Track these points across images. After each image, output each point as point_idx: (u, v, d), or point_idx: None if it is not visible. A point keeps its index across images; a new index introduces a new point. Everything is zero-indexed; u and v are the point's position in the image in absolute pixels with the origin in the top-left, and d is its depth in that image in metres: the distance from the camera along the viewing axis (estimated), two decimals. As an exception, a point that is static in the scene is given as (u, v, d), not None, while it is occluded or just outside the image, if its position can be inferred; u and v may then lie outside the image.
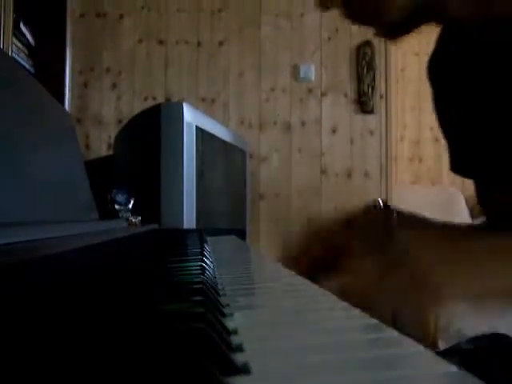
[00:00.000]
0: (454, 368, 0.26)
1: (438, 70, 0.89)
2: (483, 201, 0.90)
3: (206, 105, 3.53)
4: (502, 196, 0.82)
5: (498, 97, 0.78)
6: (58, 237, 0.80)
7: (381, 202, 0.87)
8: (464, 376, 0.25)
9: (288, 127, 3.59)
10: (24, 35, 2.73)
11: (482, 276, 0.58)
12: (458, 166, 0.91)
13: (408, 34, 0.75)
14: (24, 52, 2.74)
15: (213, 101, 3.57)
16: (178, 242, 1.14)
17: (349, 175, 3.56)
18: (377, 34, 0.76)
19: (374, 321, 0.36)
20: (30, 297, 0.41)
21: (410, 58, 4.44)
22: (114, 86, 3.54)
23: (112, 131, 3.37)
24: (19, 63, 2.49)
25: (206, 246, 0.92)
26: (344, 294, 0.52)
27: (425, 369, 0.26)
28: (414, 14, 0.71)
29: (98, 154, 3.36)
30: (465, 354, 0.99)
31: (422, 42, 4.11)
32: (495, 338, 1.02)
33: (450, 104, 0.89)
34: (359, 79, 3.52)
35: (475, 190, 0.91)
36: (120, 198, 1.99)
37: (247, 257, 1.11)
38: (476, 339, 1.05)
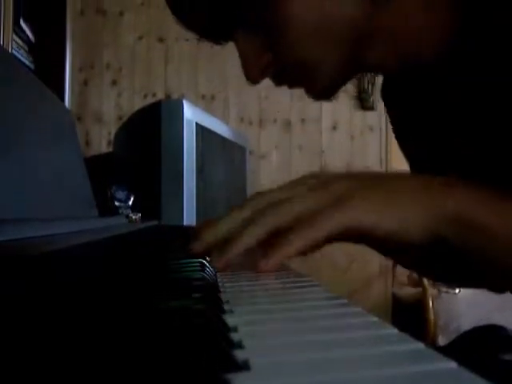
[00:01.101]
0: (453, 364, 0.26)
1: (390, 96, 0.90)
2: None
3: (206, 102, 3.53)
4: None
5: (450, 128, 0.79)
6: (58, 234, 0.80)
7: None
8: (463, 372, 0.25)
9: (288, 124, 3.59)
10: (24, 32, 2.73)
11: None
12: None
13: (340, 88, 0.76)
14: (24, 49, 2.74)
15: (213, 98, 3.57)
16: (178, 239, 1.14)
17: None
18: (309, 96, 0.77)
19: (374, 318, 0.36)
20: (30, 294, 0.41)
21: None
22: (114, 82, 3.54)
23: (112, 128, 3.37)
24: (19, 60, 2.49)
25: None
26: None
27: (424, 365, 0.26)
28: (342, 75, 0.73)
29: (98, 151, 3.36)
30: (464, 349, 0.99)
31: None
32: (492, 331, 1.02)
33: (407, 132, 0.90)
34: (359, 76, 3.52)
35: None
36: (120, 194, 1.99)
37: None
38: (474, 332, 1.06)
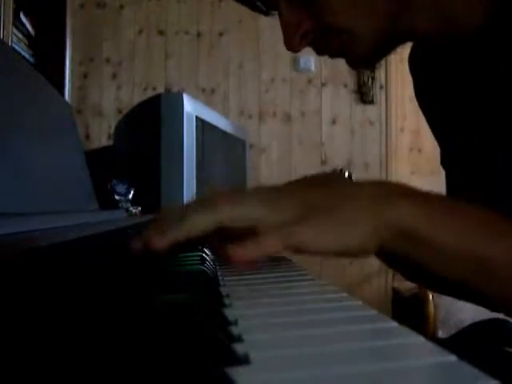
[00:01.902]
0: (453, 358, 0.26)
1: (418, 62, 0.90)
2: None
3: (205, 95, 3.53)
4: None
5: (478, 93, 0.80)
6: (58, 227, 0.80)
7: (340, 169, 0.88)
8: (463, 366, 0.25)
9: (288, 118, 3.59)
10: (24, 25, 2.73)
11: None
12: (446, 161, 0.92)
13: (381, 59, 0.77)
14: (24, 42, 2.73)
15: (213, 91, 3.57)
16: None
17: (349, 166, 3.56)
18: (349, 65, 0.78)
19: (374, 312, 0.36)
20: (31, 289, 0.41)
21: (409, 48, 4.43)
22: (114, 76, 3.53)
23: (112, 122, 3.37)
24: (19, 53, 2.48)
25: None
26: None
27: (424, 359, 0.26)
28: (382, 43, 0.73)
29: (98, 145, 3.36)
30: (465, 343, 0.99)
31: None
32: (495, 324, 1.02)
33: (430, 96, 0.90)
34: (358, 70, 3.52)
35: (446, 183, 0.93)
36: (120, 188, 1.99)
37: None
38: (475, 325, 1.05)
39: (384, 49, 0.75)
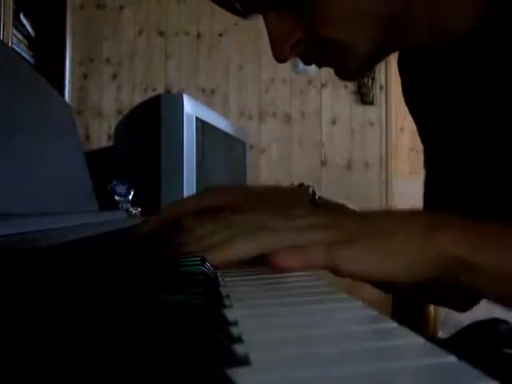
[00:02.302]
0: (453, 358, 0.26)
1: (407, 64, 0.90)
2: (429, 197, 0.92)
3: (205, 96, 3.53)
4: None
5: (466, 95, 0.80)
6: (59, 228, 0.80)
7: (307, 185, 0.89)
8: (463, 366, 0.25)
9: (288, 118, 3.59)
10: (24, 26, 2.73)
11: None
12: (430, 163, 0.93)
13: (370, 69, 0.76)
14: (24, 43, 2.73)
15: (213, 92, 3.57)
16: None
17: (349, 166, 3.57)
18: (337, 75, 0.77)
19: (375, 312, 0.36)
20: (31, 290, 0.41)
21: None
22: (114, 77, 3.54)
23: (112, 122, 3.37)
24: (19, 54, 2.48)
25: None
26: None
27: (424, 359, 0.26)
28: (376, 54, 0.72)
29: (98, 145, 3.36)
30: (465, 343, 0.99)
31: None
32: (493, 324, 1.02)
33: (419, 98, 0.90)
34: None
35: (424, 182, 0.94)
36: (120, 189, 1.99)
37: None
38: (474, 325, 1.05)
39: (376, 60, 0.75)
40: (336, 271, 0.54)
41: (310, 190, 0.90)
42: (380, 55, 0.74)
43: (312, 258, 0.53)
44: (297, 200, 0.90)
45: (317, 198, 0.89)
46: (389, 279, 0.57)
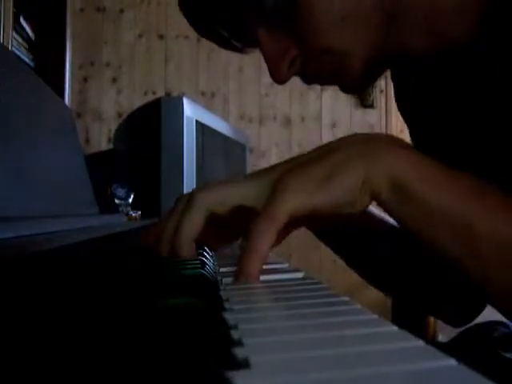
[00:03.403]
0: (453, 362, 0.26)
1: (399, 68, 0.89)
2: None
3: (205, 99, 3.53)
4: None
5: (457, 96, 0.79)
6: (58, 231, 0.80)
7: None
8: (463, 370, 0.25)
9: (288, 122, 3.59)
10: (24, 29, 2.73)
11: None
12: None
13: (372, 83, 0.76)
14: (24, 46, 2.74)
15: (213, 95, 3.57)
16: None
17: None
18: (342, 90, 0.76)
19: (374, 315, 0.36)
20: (31, 293, 0.41)
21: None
22: (114, 80, 3.53)
23: (112, 125, 3.37)
24: (19, 58, 2.48)
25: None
26: None
27: (425, 363, 0.26)
28: (374, 63, 0.72)
29: (98, 149, 3.36)
30: (465, 346, 0.99)
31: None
32: (492, 327, 1.02)
33: (411, 103, 0.90)
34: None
35: None
36: (120, 192, 1.99)
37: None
38: (473, 328, 1.05)
39: (375, 70, 0.74)
40: (294, 221, 0.54)
41: None
42: (379, 64, 0.73)
43: (268, 225, 0.52)
44: None
45: None
46: (336, 205, 0.55)
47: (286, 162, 0.62)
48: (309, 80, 0.75)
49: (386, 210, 0.57)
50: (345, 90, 0.75)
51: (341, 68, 0.71)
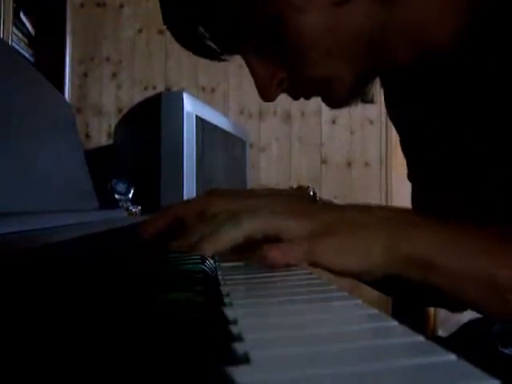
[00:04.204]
0: (453, 357, 0.26)
1: (389, 76, 0.89)
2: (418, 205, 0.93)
3: (205, 94, 3.52)
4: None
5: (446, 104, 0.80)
6: (58, 226, 0.80)
7: (307, 186, 0.89)
8: (463, 365, 0.25)
9: (288, 117, 3.59)
10: (24, 25, 2.73)
11: None
12: (414, 175, 0.93)
13: (358, 96, 0.77)
14: (24, 42, 2.73)
15: (213, 90, 3.57)
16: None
17: (349, 165, 3.56)
18: (327, 105, 0.78)
19: (375, 311, 0.36)
20: (30, 289, 0.41)
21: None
22: (114, 75, 3.53)
23: (112, 120, 3.37)
24: (19, 53, 2.48)
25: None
26: None
27: (425, 358, 0.26)
28: (361, 82, 0.74)
29: (98, 144, 3.35)
30: (465, 341, 0.99)
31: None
32: (490, 322, 1.02)
33: (402, 111, 0.90)
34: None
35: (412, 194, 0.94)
36: (120, 187, 1.99)
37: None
38: (472, 323, 1.06)
39: (363, 86, 0.75)
40: (313, 264, 0.57)
41: (311, 190, 0.91)
42: (365, 81, 0.74)
43: (292, 253, 0.56)
44: (299, 198, 0.91)
45: (318, 198, 0.90)
46: (359, 275, 0.59)
47: (327, 210, 0.66)
48: (295, 97, 0.77)
49: (406, 282, 0.60)
50: (329, 105, 0.77)
51: (328, 92, 0.74)
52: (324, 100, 0.76)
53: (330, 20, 0.64)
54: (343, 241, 0.58)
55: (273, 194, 0.88)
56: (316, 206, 0.68)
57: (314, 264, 0.57)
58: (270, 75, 0.71)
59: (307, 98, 0.77)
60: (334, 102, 0.76)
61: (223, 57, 0.76)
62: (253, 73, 0.72)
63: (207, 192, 0.89)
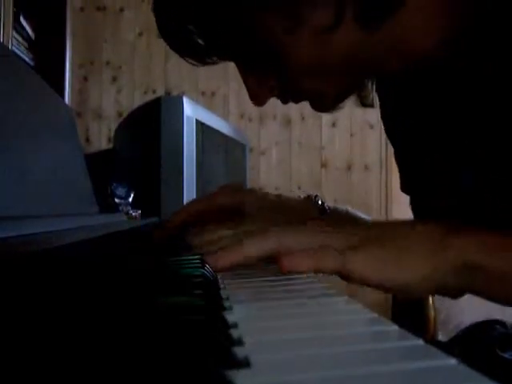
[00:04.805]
0: (453, 361, 0.26)
1: (384, 86, 0.90)
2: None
3: (206, 98, 3.52)
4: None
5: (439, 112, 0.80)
6: (58, 230, 0.80)
7: (315, 196, 0.90)
8: (463, 369, 0.25)
9: (288, 121, 3.59)
10: (24, 29, 2.73)
11: None
12: (408, 186, 0.94)
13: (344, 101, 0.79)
14: (24, 45, 2.73)
15: (213, 94, 3.57)
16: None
17: (349, 169, 3.57)
18: (314, 109, 0.79)
19: (375, 315, 0.36)
20: (30, 293, 0.41)
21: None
22: (114, 79, 3.53)
23: (112, 124, 3.37)
24: (19, 57, 2.48)
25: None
26: None
27: (424, 362, 0.26)
28: (349, 90, 0.76)
29: (98, 148, 3.35)
30: (465, 345, 0.99)
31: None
32: (490, 326, 1.02)
33: (396, 120, 0.91)
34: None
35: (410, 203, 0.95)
36: (120, 191, 1.99)
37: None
38: (472, 327, 1.06)
39: (350, 93, 0.77)
40: (346, 277, 0.56)
41: (319, 200, 0.92)
42: (353, 89, 0.76)
43: (324, 261, 0.55)
44: (306, 211, 0.91)
45: (326, 208, 0.91)
46: (400, 288, 0.58)
47: (363, 227, 0.67)
48: (285, 102, 0.79)
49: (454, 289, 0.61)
50: (316, 109, 0.78)
51: (314, 101, 0.75)
52: (311, 105, 0.77)
53: (316, 45, 0.65)
54: (381, 254, 0.57)
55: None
56: (350, 225, 0.69)
57: (346, 276, 0.56)
58: (261, 83, 0.73)
59: (296, 102, 0.78)
60: (321, 109, 0.78)
61: (217, 62, 0.77)
62: (243, 79, 0.74)
63: (220, 188, 0.91)
